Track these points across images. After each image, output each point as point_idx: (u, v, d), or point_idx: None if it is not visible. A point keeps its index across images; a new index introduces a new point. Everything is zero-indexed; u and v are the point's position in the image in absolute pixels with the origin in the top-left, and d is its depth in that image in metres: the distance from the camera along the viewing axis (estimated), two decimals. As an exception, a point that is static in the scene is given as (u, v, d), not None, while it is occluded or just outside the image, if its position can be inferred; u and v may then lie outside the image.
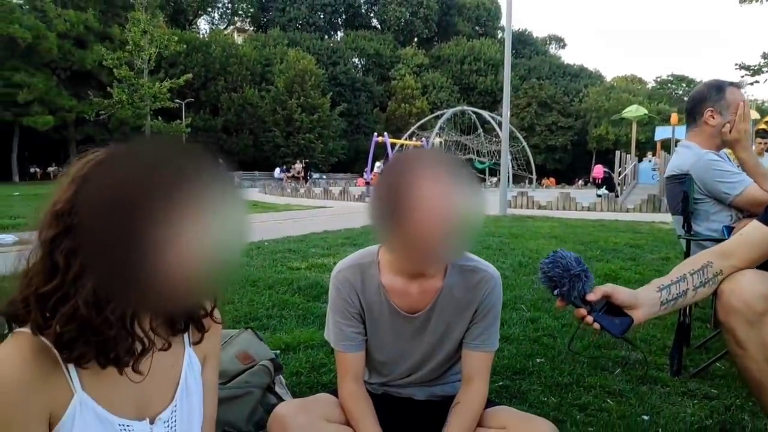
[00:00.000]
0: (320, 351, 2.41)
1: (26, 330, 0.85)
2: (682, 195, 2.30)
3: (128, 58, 25.92)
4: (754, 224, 1.38)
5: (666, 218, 9.49)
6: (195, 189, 0.84)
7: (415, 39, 59.31)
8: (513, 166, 29.70)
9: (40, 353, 0.84)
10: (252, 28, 58.17)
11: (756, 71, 27.38)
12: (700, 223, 2.32)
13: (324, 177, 36.03)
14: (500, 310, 1.47)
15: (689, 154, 2.33)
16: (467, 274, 1.44)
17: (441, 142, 29.48)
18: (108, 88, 26.19)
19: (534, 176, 31.59)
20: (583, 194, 17.54)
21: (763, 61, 27.39)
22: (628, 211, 12.72)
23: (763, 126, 6.61)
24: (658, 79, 56.96)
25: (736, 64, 27.66)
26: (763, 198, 2.12)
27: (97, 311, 0.80)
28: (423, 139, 29.44)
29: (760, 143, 6.07)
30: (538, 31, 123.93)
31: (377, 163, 25.27)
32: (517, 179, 32.66)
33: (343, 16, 59.58)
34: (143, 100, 25.87)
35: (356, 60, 53.15)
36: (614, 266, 4.67)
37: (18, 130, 30.93)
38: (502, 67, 12.72)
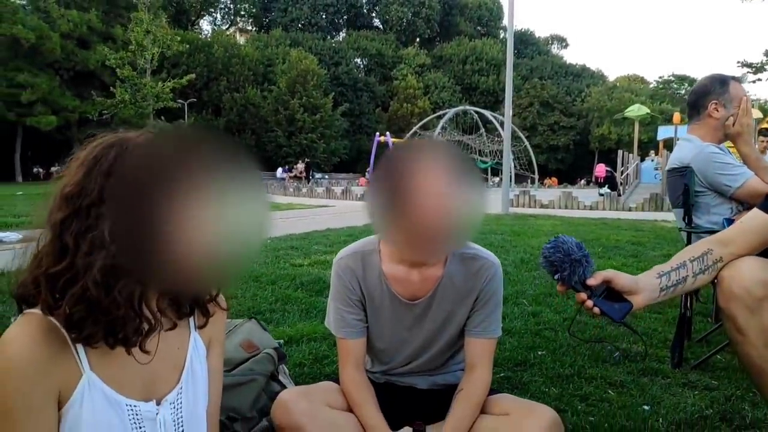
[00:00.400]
0: (323, 343, 2.43)
1: (36, 311, 0.87)
2: (683, 188, 2.31)
3: (131, 58, 26.00)
4: (754, 212, 1.40)
5: (668, 216, 9.49)
6: (208, 176, 0.85)
7: (417, 39, 59.32)
8: (515, 166, 29.64)
9: (50, 333, 0.86)
10: (254, 29, 58.22)
11: (759, 69, 27.33)
12: (701, 216, 2.33)
13: (326, 177, 36.07)
14: (501, 297, 1.48)
15: (690, 146, 2.35)
16: (467, 262, 1.45)
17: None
18: (111, 88, 26.26)
19: (536, 176, 31.55)
20: (586, 194, 17.53)
21: (765, 58, 27.35)
22: (630, 209, 12.72)
23: (765, 125, 6.62)
24: (661, 79, 56.83)
25: (738, 62, 27.63)
26: (765, 190, 2.13)
27: (105, 291, 0.82)
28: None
29: (763, 141, 6.07)
30: (540, 31, 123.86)
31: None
32: (519, 179, 32.59)
33: (345, 17, 59.58)
34: (146, 99, 25.94)
35: (358, 60, 53.16)
36: (616, 263, 4.69)
37: (21, 131, 31.04)
38: (504, 67, 12.73)
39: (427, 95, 50.10)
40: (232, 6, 56.97)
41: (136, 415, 0.95)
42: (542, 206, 13.89)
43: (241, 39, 52.26)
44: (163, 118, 29.21)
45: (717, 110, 2.32)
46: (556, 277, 1.20)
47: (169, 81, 26.97)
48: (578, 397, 1.96)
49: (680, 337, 2.30)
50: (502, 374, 2.17)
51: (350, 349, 1.48)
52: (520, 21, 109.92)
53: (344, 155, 44.88)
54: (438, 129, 29.25)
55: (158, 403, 0.98)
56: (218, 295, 1.09)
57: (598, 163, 28.59)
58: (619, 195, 16.14)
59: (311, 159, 36.63)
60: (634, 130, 26.74)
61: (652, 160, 20.04)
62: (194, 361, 1.05)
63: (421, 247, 1.26)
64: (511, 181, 14.59)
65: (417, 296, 1.46)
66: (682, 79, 54.22)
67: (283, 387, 1.61)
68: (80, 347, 0.89)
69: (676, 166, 2.40)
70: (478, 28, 63.51)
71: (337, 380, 1.52)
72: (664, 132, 21.84)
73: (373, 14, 61.44)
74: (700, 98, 2.37)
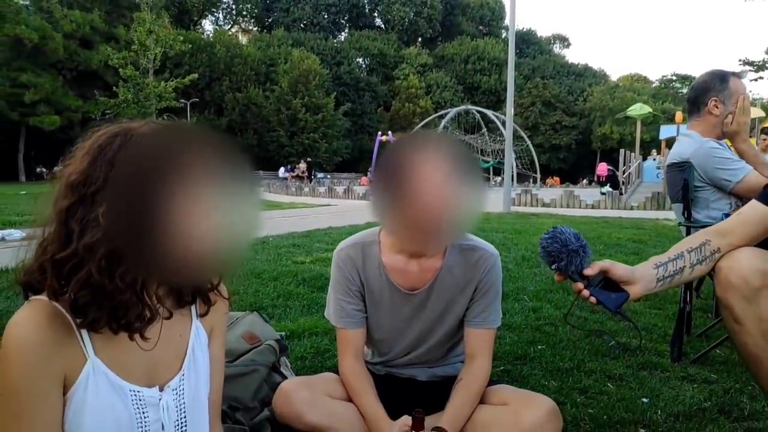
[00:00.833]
0: (324, 338, 2.44)
1: (41, 297, 0.89)
2: (683, 182, 2.32)
3: (134, 58, 26.02)
4: (752, 203, 1.41)
5: (670, 215, 9.47)
6: (208, 167, 0.88)
7: (419, 39, 59.32)
8: (517, 165, 29.61)
9: (55, 319, 0.88)
10: (256, 29, 58.28)
11: (760, 67, 27.25)
12: (700, 211, 2.34)
13: (328, 176, 36.06)
14: (500, 287, 1.50)
15: (690, 142, 2.36)
16: (466, 253, 1.47)
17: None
18: (114, 88, 26.29)
19: (538, 175, 31.52)
20: (587, 193, 17.52)
21: (767, 56, 27.26)
22: (632, 208, 12.71)
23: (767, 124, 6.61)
24: (664, 78, 56.71)
25: (740, 60, 27.54)
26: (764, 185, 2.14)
27: (109, 277, 0.84)
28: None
29: (766, 140, 6.07)
30: (542, 31, 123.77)
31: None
32: (521, 178, 32.56)
33: (347, 16, 59.59)
34: (148, 99, 25.96)
35: (360, 60, 53.14)
36: (617, 260, 4.67)
37: (24, 130, 31.12)
38: (506, 66, 12.72)
39: (429, 95, 50.09)
40: (234, 6, 56.99)
41: (140, 400, 0.97)
42: (544, 205, 13.89)
43: (243, 39, 52.32)
44: (165, 117, 29.25)
45: (717, 107, 2.33)
46: (553, 267, 1.21)
47: (172, 81, 26.98)
48: (577, 390, 1.97)
49: (679, 331, 2.31)
50: (501, 368, 2.18)
51: (350, 340, 1.49)
52: (522, 20, 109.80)
53: (346, 155, 44.89)
54: (440, 129, 29.25)
55: (161, 389, 1.00)
56: (219, 284, 1.11)
57: (600, 162, 28.55)
58: (621, 194, 16.13)
59: (313, 159, 36.65)
60: (636, 130, 26.67)
61: (654, 159, 20.00)
62: (196, 349, 1.07)
63: (421, 238, 1.28)
64: (513, 180, 14.58)
65: (416, 287, 1.47)
66: (684, 78, 54.12)
67: (285, 378, 1.62)
68: (85, 333, 0.91)
69: (675, 161, 2.41)
70: (480, 27, 63.48)
71: (337, 372, 1.53)
72: (666, 131, 21.79)
73: (375, 14, 61.44)
74: (700, 95, 2.39)
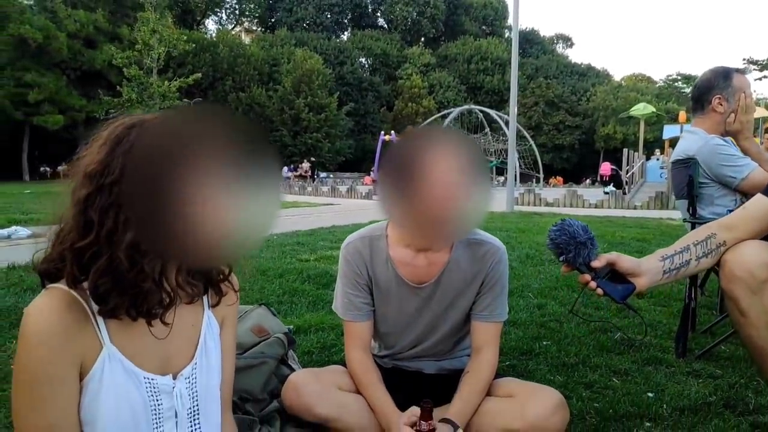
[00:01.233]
0: (331, 333, 2.46)
1: (58, 285, 0.90)
2: (688, 179, 2.33)
3: (137, 58, 26.06)
4: (758, 198, 1.42)
5: (674, 214, 9.47)
6: (225, 154, 0.88)
7: (422, 38, 59.24)
8: (520, 165, 29.63)
9: (72, 306, 0.89)
10: (259, 29, 58.32)
11: (765, 66, 27.16)
12: (705, 207, 2.35)
13: (331, 176, 36.09)
14: (507, 281, 1.51)
15: (695, 138, 2.37)
16: (473, 247, 1.48)
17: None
18: (117, 88, 26.33)
19: (541, 175, 31.52)
20: (591, 192, 17.51)
21: (772, 56, 27.15)
22: (635, 208, 12.69)
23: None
24: (669, 78, 56.53)
25: (744, 59, 27.49)
26: None
27: (131, 264, 0.85)
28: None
29: None
30: (546, 30, 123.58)
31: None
32: (524, 178, 32.56)
33: (350, 16, 59.58)
34: (152, 99, 25.98)
35: (363, 60, 53.12)
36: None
37: (28, 130, 31.17)
38: (509, 66, 12.73)
39: (432, 94, 50.02)
40: (237, 6, 57.07)
41: (154, 387, 0.98)
42: (547, 204, 13.88)
43: (246, 39, 52.33)
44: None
45: (721, 104, 2.34)
46: (561, 258, 1.23)
47: (176, 80, 27.01)
48: (583, 385, 1.98)
49: (684, 327, 2.32)
50: (507, 363, 2.19)
51: (357, 332, 1.51)
52: (525, 20, 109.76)
53: (349, 154, 44.87)
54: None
55: (174, 378, 1.02)
56: (230, 274, 1.12)
57: (603, 162, 28.49)
58: (625, 193, 16.10)
59: (316, 158, 36.68)
60: (640, 129, 26.58)
61: (658, 159, 19.96)
62: (208, 338, 1.09)
63: (430, 232, 1.29)
64: (516, 180, 14.57)
65: (423, 280, 1.48)
66: (688, 78, 53.93)
67: (293, 370, 1.63)
68: (101, 321, 0.92)
69: (680, 158, 2.42)
70: (483, 27, 63.38)
71: (345, 366, 1.55)
72: (669, 131, 21.73)
73: (378, 14, 61.40)
74: (703, 93, 2.39)
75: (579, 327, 2.65)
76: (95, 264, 0.85)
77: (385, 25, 60.32)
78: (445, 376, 1.60)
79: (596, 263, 1.22)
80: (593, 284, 1.21)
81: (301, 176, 29.43)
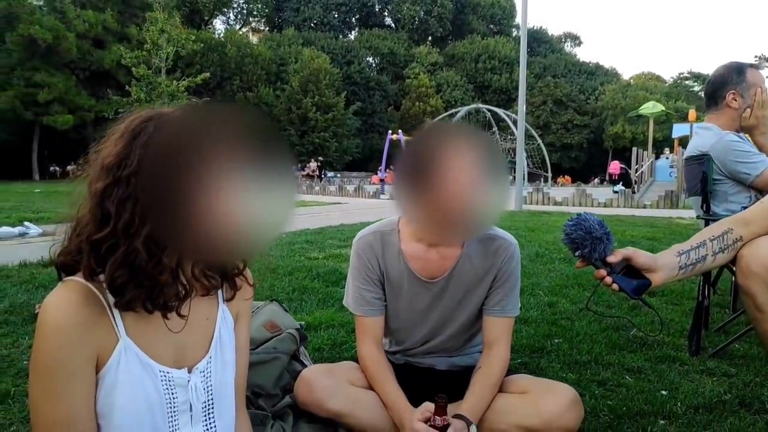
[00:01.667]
0: (341, 330, 2.46)
1: (75, 278, 0.90)
2: (702, 175, 2.31)
3: (146, 57, 26.18)
4: (774, 193, 1.40)
5: (684, 213, 9.39)
6: (242, 148, 0.88)
7: (430, 38, 59.11)
8: (528, 164, 29.47)
9: (89, 298, 0.89)
10: (267, 28, 58.46)
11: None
12: (719, 204, 2.33)
13: (338, 175, 36.12)
14: (519, 276, 1.50)
15: (709, 134, 2.34)
16: (486, 242, 1.47)
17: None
18: (126, 87, 26.47)
19: (549, 174, 31.38)
20: (600, 192, 17.41)
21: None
22: (645, 207, 12.61)
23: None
24: (680, 76, 56.08)
25: (755, 56, 27.20)
26: None
27: (149, 256, 0.85)
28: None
29: None
30: (554, 29, 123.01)
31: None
32: (532, 177, 32.41)
33: (357, 16, 59.57)
34: (161, 98, 26.09)
35: (370, 59, 53.09)
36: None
37: (38, 130, 31.42)
38: (517, 65, 12.67)
39: (440, 94, 49.92)
40: (245, 6, 57.22)
41: (169, 381, 0.98)
42: (556, 203, 13.82)
43: (253, 38, 52.44)
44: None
45: (735, 100, 2.31)
46: (576, 253, 1.22)
47: (184, 80, 27.11)
48: (596, 382, 1.97)
49: (697, 325, 2.30)
50: (519, 360, 2.18)
51: (369, 327, 1.50)
52: (533, 19, 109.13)
53: (356, 154, 44.88)
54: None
55: (189, 371, 1.02)
56: (245, 268, 1.12)
57: (612, 160, 28.32)
58: (634, 192, 16.01)
59: (324, 158, 36.71)
60: (649, 128, 26.42)
61: (667, 158, 19.83)
62: (222, 332, 1.09)
63: (447, 229, 1.27)
64: (524, 179, 14.52)
65: (435, 275, 1.48)
66: (698, 76, 53.52)
67: (305, 366, 1.64)
68: (117, 313, 0.93)
69: (694, 154, 2.40)
70: (491, 26, 63.18)
71: (357, 361, 1.54)
72: (679, 130, 21.59)
73: (385, 13, 61.38)
74: (717, 89, 2.37)
75: (591, 325, 2.63)
76: (112, 256, 0.85)
77: (393, 25, 60.28)
78: (457, 372, 1.59)
79: (612, 258, 1.21)
80: (609, 279, 1.20)
81: (308, 176, 29.47)
